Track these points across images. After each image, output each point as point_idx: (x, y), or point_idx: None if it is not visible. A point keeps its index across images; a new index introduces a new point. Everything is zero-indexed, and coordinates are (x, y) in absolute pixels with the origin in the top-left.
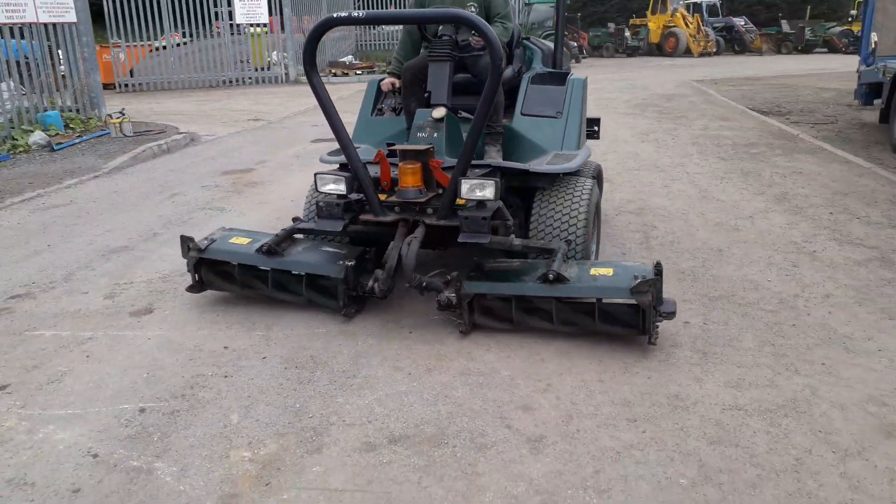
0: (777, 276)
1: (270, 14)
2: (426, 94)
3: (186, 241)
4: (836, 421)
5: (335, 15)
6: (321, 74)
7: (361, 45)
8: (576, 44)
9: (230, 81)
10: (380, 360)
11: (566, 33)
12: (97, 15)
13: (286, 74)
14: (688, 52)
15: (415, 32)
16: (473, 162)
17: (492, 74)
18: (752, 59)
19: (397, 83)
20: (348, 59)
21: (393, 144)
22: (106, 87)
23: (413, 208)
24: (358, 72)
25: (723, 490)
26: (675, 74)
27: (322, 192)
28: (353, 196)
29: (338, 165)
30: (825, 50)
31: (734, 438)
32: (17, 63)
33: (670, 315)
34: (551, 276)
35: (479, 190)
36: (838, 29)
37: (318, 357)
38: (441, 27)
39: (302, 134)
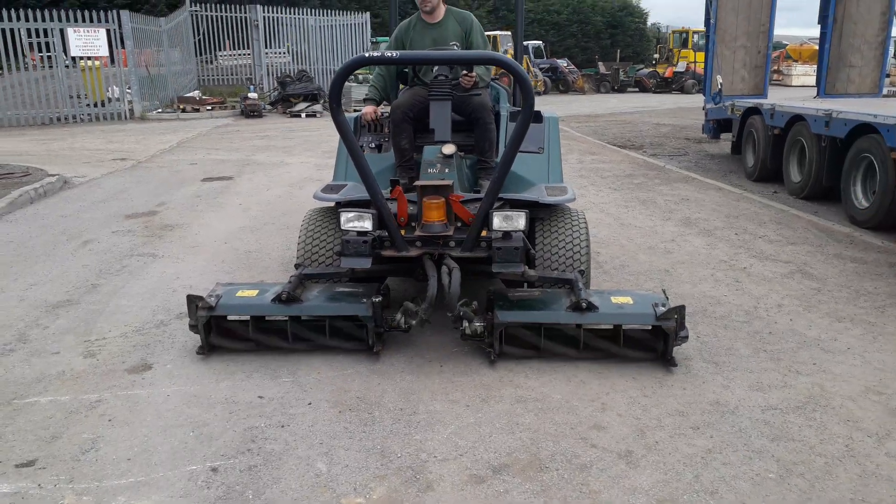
0: (729, 291)
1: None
2: (426, 132)
3: (194, 301)
4: (855, 411)
5: (367, 54)
6: (168, 110)
7: (203, 80)
8: None
9: (65, 118)
10: (430, 395)
11: None
12: None
13: (130, 111)
14: None
15: (393, 67)
16: (480, 195)
17: (524, 113)
18: (578, 97)
19: (379, 110)
20: (196, 93)
21: (397, 181)
22: None
23: (436, 242)
24: (209, 107)
25: (807, 479)
26: None
27: (345, 230)
28: (376, 233)
29: (333, 203)
30: (637, 89)
31: (787, 434)
32: None
33: (684, 339)
34: (584, 304)
35: (510, 221)
36: (646, 70)
37: (366, 398)
38: (436, 67)
39: (185, 173)
